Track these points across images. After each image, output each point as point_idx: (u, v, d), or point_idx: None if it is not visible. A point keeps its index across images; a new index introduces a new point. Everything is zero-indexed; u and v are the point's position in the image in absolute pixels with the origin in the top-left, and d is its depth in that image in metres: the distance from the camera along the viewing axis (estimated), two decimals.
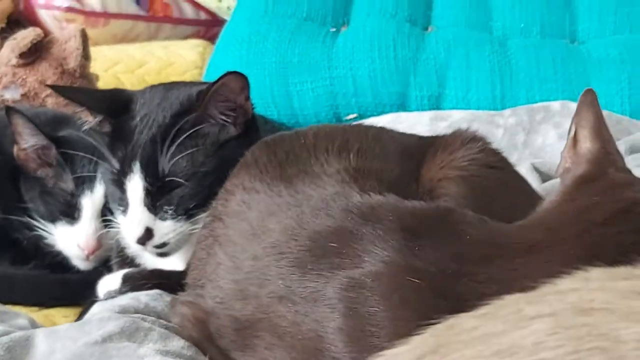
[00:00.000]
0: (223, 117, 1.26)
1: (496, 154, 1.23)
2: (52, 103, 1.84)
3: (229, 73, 1.25)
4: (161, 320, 1.06)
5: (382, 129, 1.33)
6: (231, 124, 1.27)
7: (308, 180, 1.03)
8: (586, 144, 0.99)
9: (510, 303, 0.61)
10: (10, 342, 1.01)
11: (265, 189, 1.05)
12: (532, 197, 1.19)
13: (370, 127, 1.34)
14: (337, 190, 0.99)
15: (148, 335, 1.00)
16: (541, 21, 2.09)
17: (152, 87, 1.36)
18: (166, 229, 1.25)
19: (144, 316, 1.06)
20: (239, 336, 0.96)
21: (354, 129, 1.27)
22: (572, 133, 1.03)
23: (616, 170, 0.96)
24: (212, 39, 2.48)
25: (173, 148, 1.23)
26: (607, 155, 0.97)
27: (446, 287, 0.83)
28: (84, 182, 1.47)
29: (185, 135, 1.23)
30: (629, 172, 0.99)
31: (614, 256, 0.79)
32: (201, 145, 1.25)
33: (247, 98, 1.28)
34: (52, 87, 1.59)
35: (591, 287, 0.60)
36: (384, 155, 1.14)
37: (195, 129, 1.24)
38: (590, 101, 1.02)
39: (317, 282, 0.89)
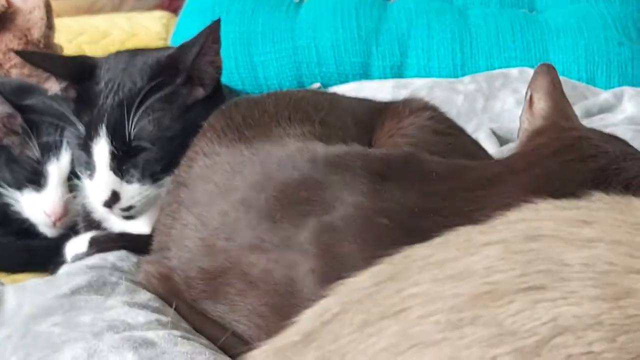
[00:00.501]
0: (200, 75, 1.27)
1: (446, 120, 1.25)
2: (17, 74, 1.85)
3: (213, 22, 1.26)
4: (127, 276, 1.08)
5: (338, 95, 1.35)
6: (200, 85, 1.28)
7: (269, 141, 1.05)
8: (540, 104, 1.05)
9: (463, 233, 0.65)
10: None
11: (226, 151, 1.07)
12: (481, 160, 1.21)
13: (327, 94, 1.37)
14: (301, 146, 1.02)
15: (115, 289, 1.02)
16: None
17: (117, 53, 1.36)
18: (132, 192, 1.26)
19: (112, 271, 1.07)
20: (209, 285, 0.97)
21: (313, 96, 1.28)
22: (528, 97, 1.08)
23: (566, 121, 1.01)
24: (175, 11, 2.49)
25: (140, 112, 1.23)
26: (558, 111, 1.02)
27: (414, 224, 0.86)
28: (50, 150, 1.47)
29: (152, 99, 1.24)
30: (581, 124, 1.04)
31: (562, 182, 0.84)
32: (168, 109, 1.25)
33: (219, 51, 1.29)
34: (18, 52, 1.59)
35: (539, 216, 0.64)
36: (343, 122, 1.16)
37: (163, 92, 1.25)
38: (545, 70, 1.08)
39: (288, 229, 0.92)
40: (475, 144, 1.30)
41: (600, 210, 0.64)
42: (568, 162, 0.91)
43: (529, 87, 1.10)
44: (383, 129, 1.18)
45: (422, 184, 0.92)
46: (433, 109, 1.24)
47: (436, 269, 0.60)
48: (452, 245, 0.63)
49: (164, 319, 0.95)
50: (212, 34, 1.27)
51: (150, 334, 0.88)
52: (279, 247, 0.91)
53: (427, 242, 0.65)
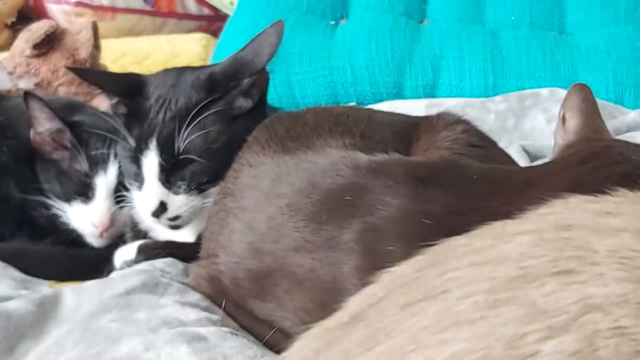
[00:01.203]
0: (255, 84, 1.33)
1: (479, 133, 1.29)
2: (64, 92, 1.91)
3: (279, 24, 1.33)
4: (177, 279, 1.13)
5: (374, 111, 1.40)
6: (248, 96, 1.33)
7: (311, 152, 1.10)
8: (572, 122, 1.12)
9: (498, 225, 0.69)
10: (41, 298, 1.09)
11: (271, 161, 1.11)
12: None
13: (364, 109, 1.42)
14: (343, 154, 1.06)
15: (167, 289, 1.07)
16: (531, 14, 2.19)
17: (165, 70, 1.42)
18: (179, 202, 1.31)
19: (162, 275, 1.13)
20: (257, 285, 1.02)
21: (352, 111, 1.33)
22: (561, 115, 1.14)
23: (596, 134, 1.08)
24: (214, 33, 2.56)
25: (192, 126, 1.28)
26: (589, 125, 1.09)
27: (453, 223, 0.89)
28: (98, 164, 1.53)
29: (206, 113, 1.29)
30: (609, 136, 1.11)
31: (590, 185, 0.90)
32: (218, 123, 1.30)
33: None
34: (72, 69, 1.65)
35: (568, 209, 0.68)
36: (382, 136, 1.21)
37: (218, 106, 1.30)
38: (579, 89, 1.14)
39: (333, 230, 0.96)
40: (507, 156, 1.34)
41: (624, 204, 0.68)
42: (596, 167, 0.97)
43: (562, 106, 1.15)
44: (419, 143, 1.22)
45: (462, 187, 0.97)
46: (466, 122, 1.28)
47: (473, 255, 0.64)
48: (487, 235, 0.68)
49: (213, 317, 1.00)
50: (280, 36, 1.32)
51: (202, 330, 0.94)
52: (324, 247, 0.96)
53: (464, 234, 0.69)
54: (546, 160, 1.36)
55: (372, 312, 0.64)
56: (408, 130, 1.26)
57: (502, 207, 0.88)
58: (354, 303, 0.68)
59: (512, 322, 0.56)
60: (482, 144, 1.25)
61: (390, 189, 0.97)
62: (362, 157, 1.05)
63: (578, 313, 0.55)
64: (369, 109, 1.49)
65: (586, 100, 1.14)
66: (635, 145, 1.05)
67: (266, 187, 1.08)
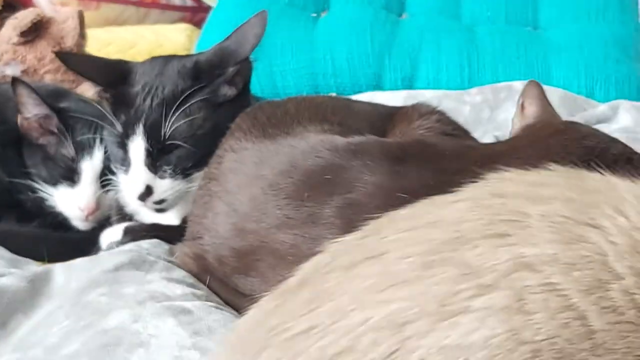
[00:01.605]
0: (239, 72, 1.37)
1: (453, 123, 1.34)
2: (51, 79, 1.94)
3: (262, 14, 1.36)
4: (163, 257, 1.18)
5: (353, 101, 1.46)
6: (232, 85, 1.38)
7: (291, 137, 1.15)
8: (531, 108, 1.22)
9: (438, 197, 0.73)
10: (32, 275, 1.14)
11: (252, 146, 1.16)
12: None
13: (343, 99, 1.47)
14: (322, 138, 1.12)
15: (153, 266, 1.12)
16: (506, 10, 2.24)
17: (152, 59, 1.46)
18: (165, 186, 1.35)
19: (149, 253, 1.17)
20: (241, 262, 1.07)
21: (330, 101, 1.38)
22: (520, 103, 1.24)
23: (554, 119, 1.17)
24: (197, 24, 2.59)
25: (176, 114, 1.32)
26: (547, 112, 1.18)
27: (429, 196, 0.95)
28: (84, 149, 1.56)
29: (192, 101, 1.33)
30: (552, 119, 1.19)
31: (561, 157, 0.96)
32: (203, 109, 1.34)
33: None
34: (57, 54, 1.67)
35: (504, 180, 0.73)
36: (359, 125, 1.25)
37: (203, 93, 1.34)
38: (535, 84, 1.24)
39: (314, 207, 1.01)
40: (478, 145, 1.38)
41: (556, 177, 0.72)
42: (566, 140, 1.03)
43: (520, 95, 1.25)
44: (394, 131, 1.27)
45: (435, 163, 1.02)
46: (440, 113, 1.33)
47: (413, 221, 0.68)
48: (428, 204, 0.73)
49: (198, 292, 1.05)
50: (263, 26, 1.36)
51: (187, 304, 0.99)
52: (306, 223, 1.01)
53: (408, 206, 0.73)
54: None
55: (318, 276, 0.68)
56: (384, 120, 1.31)
57: (473, 181, 0.93)
58: (303, 270, 0.72)
59: (446, 281, 0.60)
60: (455, 133, 1.29)
61: (368, 167, 1.02)
62: (340, 140, 1.10)
63: (508, 271, 0.59)
64: (348, 99, 1.54)
65: (543, 93, 1.24)
66: (589, 126, 1.13)
67: (248, 171, 1.13)
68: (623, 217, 0.64)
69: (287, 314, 0.65)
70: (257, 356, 0.64)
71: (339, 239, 0.73)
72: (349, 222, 0.96)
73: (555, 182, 0.70)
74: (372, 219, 0.72)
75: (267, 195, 1.07)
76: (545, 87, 1.76)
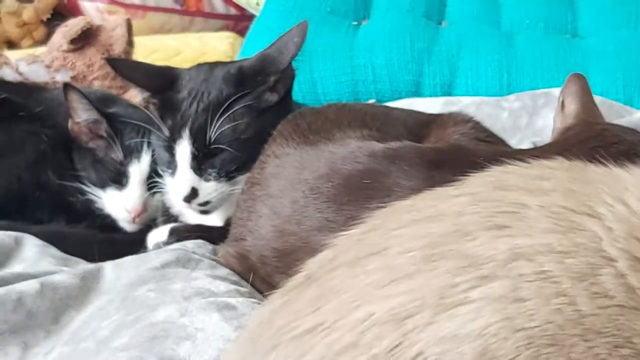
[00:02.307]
0: (281, 80, 1.40)
1: (486, 130, 1.36)
2: (99, 85, 1.98)
3: (302, 25, 1.40)
4: (208, 257, 1.22)
5: (391, 108, 1.49)
6: (275, 90, 1.41)
7: (331, 143, 1.18)
8: (571, 107, 1.21)
9: (441, 189, 0.75)
10: (83, 272, 1.18)
11: (294, 152, 1.19)
12: None
13: (382, 106, 1.49)
14: (360, 144, 1.15)
15: (199, 264, 1.16)
16: (545, 18, 2.25)
17: (198, 65, 1.50)
18: (209, 189, 1.39)
19: (194, 252, 1.22)
20: (281, 262, 1.10)
21: (370, 108, 1.41)
22: (560, 101, 1.23)
23: (594, 119, 1.17)
24: (240, 32, 2.65)
25: (221, 119, 1.36)
26: (586, 110, 1.18)
27: None
28: (132, 152, 1.61)
29: (237, 106, 1.37)
30: (605, 121, 1.19)
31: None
32: (247, 115, 1.38)
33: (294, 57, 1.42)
34: (108, 60, 1.72)
35: (506, 173, 0.74)
36: (397, 131, 1.29)
37: (248, 99, 1.38)
38: (576, 77, 1.23)
39: (353, 210, 1.04)
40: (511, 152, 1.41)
41: (558, 170, 0.73)
42: (594, 147, 1.04)
43: (561, 92, 1.24)
44: (430, 137, 1.30)
45: (471, 169, 1.04)
46: (475, 121, 1.36)
47: (415, 214, 0.70)
48: (429, 197, 0.74)
49: (241, 289, 1.09)
50: (303, 36, 1.39)
51: (231, 300, 1.03)
52: (345, 226, 1.03)
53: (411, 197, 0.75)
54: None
55: (323, 273, 0.69)
56: (421, 127, 1.34)
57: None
58: (309, 265, 0.74)
59: (445, 273, 0.62)
60: (489, 140, 1.32)
61: (405, 172, 1.05)
62: (378, 145, 1.13)
63: (505, 261, 0.61)
64: (386, 107, 1.57)
65: (584, 88, 1.23)
66: (629, 128, 1.13)
67: (290, 175, 1.16)
68: (622, 205, 0.65)
69: (295, 313, 0.67)
70: (267, 355, 0.66)
71: (343, 233, 0.74)
72: None
73: (557, 175, 0.71)
74: None
75: (308, 198, 1.10)
76: None
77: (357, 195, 1.06)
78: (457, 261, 0.62)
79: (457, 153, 1.10)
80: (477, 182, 0.73)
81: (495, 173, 0.75)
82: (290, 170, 1.18)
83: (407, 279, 0.62)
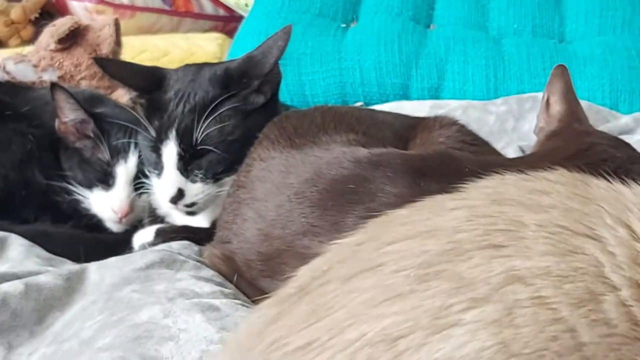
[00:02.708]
0: (267, 82, 1.40)
1: (472, 134, 1.37)
2: (86, 85, 1.97)
3: (287, 29, 1.39)
4: (193, 258, 1.22)
5: (377, 111, 1.49)
6: (261, 92, 1.41)
7: (316, 147, 1.18)
8: (556, 107, 1.20)
9: (438, 198, 0.74)
10: (68, 273, 1.18)
11: (280, 155, 1.19)
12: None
13: (368, 110, 1.50)
14: (345, 150, 1.15)
15: (183, 265, 1.16)
16: (533, 22, 2.27)
17: (185, 66, 1.50)
18: (196, 190, 1.39)
19: (179, 253, 1.22)
20: (266, 265, 1.10)
21: (356, 111, 1.41)
22: (545, 98, 1.22)
23: (579, 124, 1.15)
24: (229, 33, 2.65)
25: (208, 121, 1.36)
26: (572, 113, 1.17)
27: None
28: (119, 153, 1.60)
29: (223, 108, 1.37)
30: (592, 127, 1.18)
31: None
32: (233, 116, 1.38)
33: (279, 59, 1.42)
34: (96, 59, 1.71)
35: (505, 184, 0.73)
36: (383, 134, 1.29)
37: (234, 101, 1.38)
38: (560, 73, 1.22)
39: (337, 215, 1.04)
40: (497, 154, 1.42)
41: (558, 184, 0.71)
42: (584, 165, 1.04)
43: (545, 88, 1.23)
44: (416, 140, 1.30)
45: (456, 178, 1.04)
46: (460, 125, 1.36)
47: (410, 227, 0.68)
48: (426, 209, 0.72)
49: (226, 290, 1.09)
50: (287, 40, 1.39)
51: (215, 302, 1.03)
52: (329, 231, 1.04)
53: (407, 206, 0.74)
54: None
55: (316, 286, 0.68)
56: (407, 130, 1.34)
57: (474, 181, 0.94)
58: (301, 275, 0.73)
59: (439, 294, 0.60)
60: (475, 143, 1.32)
61: (389, 179, 1.05)
62: (362, 151, 1.13)
63: (500, 284, 0.60)
64: (372, 110, 1.57)
65: (568, 85, 1.21)
66: (618, 140, 1.13)
67: (275, 179, 1.16)
68: (624, 228, 0.64)
69: (287, 328, 0.66)
70: None
71: (337, 242, 0.74)
72: None
73: (557, 189, 0.70)
74: None
75: (293, 203, 1.10)
76: None
77: (341, 200, 1.06)
78: (451, 282, 0.61)
79: (442, 161, 1.10)
80: (474, 195, 0.72)
81: (492, 184, 0.73)
82: (276, 174, 1.18)
83: (401, 299, 0.61)
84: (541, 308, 0.58)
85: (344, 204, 1.05)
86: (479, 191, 0.72)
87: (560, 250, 0.62)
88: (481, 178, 1.02)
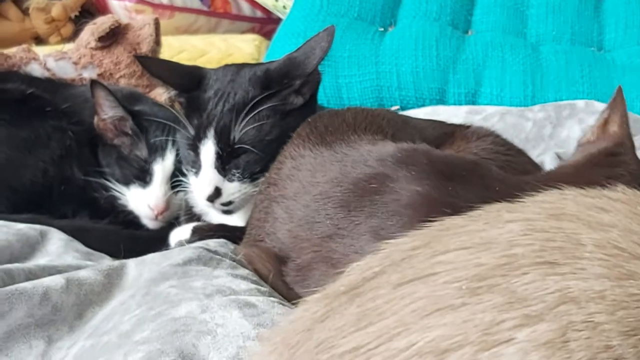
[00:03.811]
0: (307, 83, 1.41)
1: (505, 143, 1.37)
2: (125, 83, 2.00)
3: (330, 29, 1.39)
4: (229, 256, 1.23)
5: (410, 117, 1.49)
6: (300, 94, 1.42)
7: (345, 144, 1.18)
8: (614, 128, 1.20)
9: (494, 209, 0.73)
10: (108, 269, 1.19)
11: (309, 153, 1.20)
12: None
13: (400, 115, 1.50)
14: (372, 148, 1.15)
15: (220, 263, 1.17)
16: (572, 30, 2.26)
17: (225, 66, 1.51)
18: (233, 189, 1.40)
19: (216, 251, 1.23)
20: (299, 274, 1.11)
21: (388, 114, 1.41)
22: (606, 115, 1.23)
23: (629, 154, 1.17)
24: (265, 35, 2.66)
25: (246, 120, 1.37)
26: (626, 142, 1.18)
27: None
28: (156, 151, 1.62)
29: (262, 107, 1.38)
30: (637, 160, 1.18)
31: None
32: (272, 116, 1.39)
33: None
34: (137, 57, 1.71)
35: (564, 199, 0.71)
36: (411, 138, 1.28)
37: (273, 101, 1.39)
38: (622, 96, 1.24)
39: (361, 216, 1.04)
40: (532, 164, 1.41)
41: (619, 202, 0.69)
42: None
43: (608, 106, 1.24)
44: (452, 147, 1.31)
45: (485, 192, 1.02)
46: (496, 135, 1.36)
47: (465, 238, 0.67)
48: (482, 219, 0.71)
49: (262, 288, 1.10)
50: (330, 41, 1.40)
51: (252, 299, 1.04)
52: (353, 233, 1.04)
53: (463, 214, 0.73)
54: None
55: (367, 288, 0.68)
56: (440, 137, 1.35)
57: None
58: (352, 273, 0.72)
59: (491, 309, 0.59)
60: (507, 152, 1.32)
61: (413, 177, 1.04)
62: (389, 148, 1.12)
63: (554, 303, 0.58)
64: (406, 115, 1.57)
65: (626, 110, 1.24)
66: None
67: (304, 178, 1.17)
68: None
69: (336, 329, 0.65)
70: None
71: (388, 242, 0.73)
72: (393, 232, 0.96)
73: (617, 207, 0.68)
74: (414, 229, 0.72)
75: (318, 203, 1.11)
76: None
77: (364, 200, 1.06)
78: (504, 297, 0.60)
79: (471, 172, 1.08)
80: (532, 208, 0.71)
81: (552, 197, 0.72)
82: (305, 173, 1.18)
83: (452, 311, 0.60)
84: (594, 333, 0.57)
85: (367, 204, 1.05)
86: (537, 205, 0.71)
87: (617, 274, 0.60)
88: (511, 197, 1.02)
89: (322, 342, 0.65)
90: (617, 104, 1.24)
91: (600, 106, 1.88)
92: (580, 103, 1.93)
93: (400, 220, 1.01)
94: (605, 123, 1.23)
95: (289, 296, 1.13)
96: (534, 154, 1.65)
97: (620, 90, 1.25)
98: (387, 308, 0.64)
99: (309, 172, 1.17)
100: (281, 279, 1.15)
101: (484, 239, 0.67)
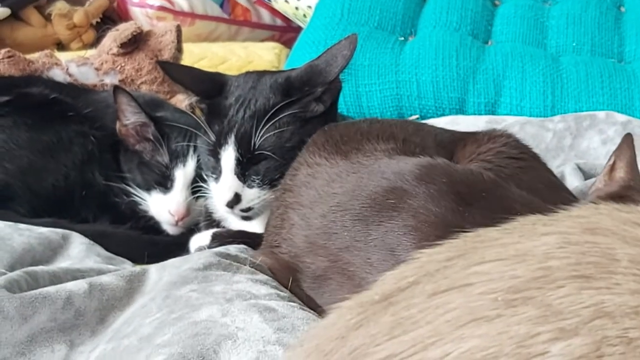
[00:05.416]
0: (328, 91, 1.41)
1: (519, 146, 1.36)
2: (146, 90, 2.01)
3: (352, 37, 1.40)
4: (249, 262, 1.24)
5: (425, 124, 1.49)
6: (321, 102, 1.43)
7: (361, 154, 1.19)
8: (620, 174, 1.23)
9: (529, 221, 0.72)
10: (130, 275, 1.20)
11: (325, 162, 1.20)
12: (551, 183, 1.32)
13: (412, 122, 1.50)
14: (390, 161, 1.15)
15: (240, 269, 1.17)
16: (592, 41, 2.26)
17: (246, 73, 1.52)
18: (252, 195, 1.41)
19: (236, 257, 1.23)
20: (315, 282, 1.12)
21: (402, 122, 1.41)
22: (611, 162, 1.26)
23: (638, 196, 1.18)
24: (285, 43, 2.68)
25: (267, 126, 1.38)
26: (633, 186, 1.20)
27: None
28: (177, 157, 1.64)
29: (282, 115, 1.38)
30: None
31: None
32: (292, 123, 1.40)
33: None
34: (159, 63, 1.72)
35: (599, 213, 0.71)
36: (424, 142, 1.30)
37: (294, 109, 1.40)
38: (631, 141, 1.25)
39: (378, 231, 1.05)
40: (547, 170, 1.40)
41: None
42: None
43: (613, 153, 1.26)
44: (464, 152, 1.31)
45: (504, 214, 1.01)
46: (508, 136, 1.36)
47: (500, 250, 0.67)
48: (517, 231, 0.71)
49: (282, 293, 1.10)
50: (353, 49, 1.40)
51: (272, 303, 1.04)
52: (370, 247, 1.05)
53: (497, 227, 0.73)
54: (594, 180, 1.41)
55: (401, 298, 0.68)
56: (452, 143, 1.35)
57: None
58: (387, 282, 0.72)
59: (526, 321, 0.59)
60: (521, 157, 1.32)
61: (433, 197, 1.04)
62: (409, 163, 1.12)
63: (589, 317, 0.58)
64: (421, 123, 1.57)
65: (634, 155, 1.25)
66: None
67: (320, 186, 1.17)
68: None
69: (370, 336, 0.65)
70: None
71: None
72: (408, 250, 0.99)
73: None
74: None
75: (336, 214, 1.11)
76: (629, 118, 1.79)
77: (382, 215, 1.06)
78: (539, 309, 0.60)
79: (491, 193, 1.08)
80: (567, 222, 0.70)
81: (586, 213, 0.72)
82: (321, 182, 1.19)
83: (487, 322, 0.60)
84: (628, 348, 0.57)
85: (385, 219, 1.05)
86: (572, 219, 0.71)
87: None
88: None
89: (356, 350, 0.65)
90: (623, 150, 1.26)
91: (621, 117, 1.89)
92: (601, 114, 1.92)
93: (415, 237, 1.02)
94: (611, 170, 1.26)
95: (308, 303, 1.13)
96: (554, 165, 1.65)
97: (628, 137, 1.28)
98: (421, 317, 0.64)
99: (325, 181, 1.18)
100: (298, 285, 1.16)
101: (519, 251, 0.67)
